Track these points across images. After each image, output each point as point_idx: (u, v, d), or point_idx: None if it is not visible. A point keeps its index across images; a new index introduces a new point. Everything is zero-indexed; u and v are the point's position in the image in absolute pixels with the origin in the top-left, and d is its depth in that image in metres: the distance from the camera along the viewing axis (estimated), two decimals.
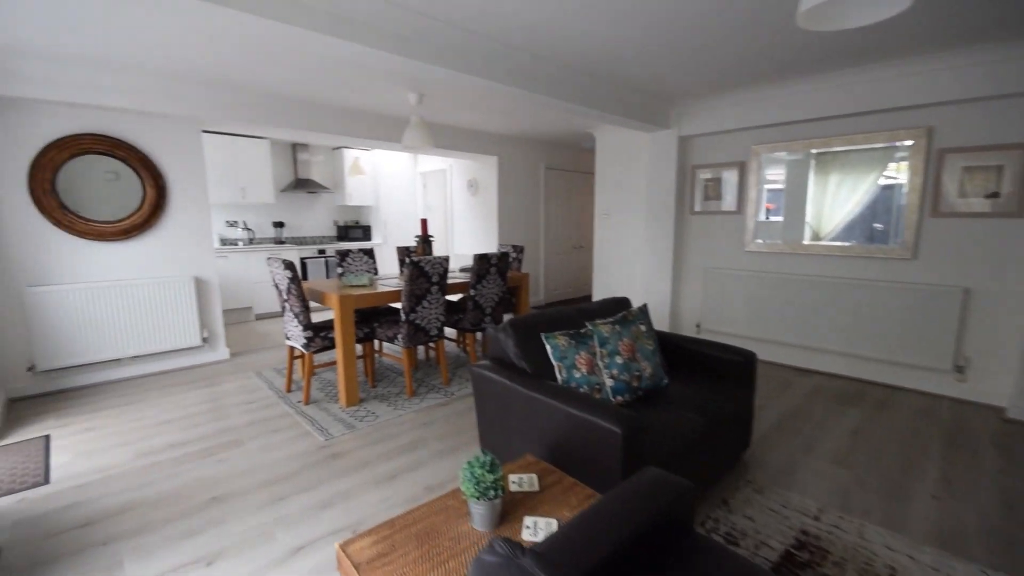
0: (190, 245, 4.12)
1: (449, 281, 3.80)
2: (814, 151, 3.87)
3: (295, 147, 6.62)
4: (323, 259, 6.59)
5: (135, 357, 3.87)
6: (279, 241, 6.56)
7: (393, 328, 3.44)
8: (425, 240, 3.93)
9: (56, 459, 2.55)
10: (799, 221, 4.02)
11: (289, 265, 3.10)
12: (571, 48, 2.95)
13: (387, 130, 4.88)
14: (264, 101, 4.03)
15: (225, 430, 2.91)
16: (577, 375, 2.15)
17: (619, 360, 2.25)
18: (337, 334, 3.19)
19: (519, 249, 4.70)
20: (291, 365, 3.52)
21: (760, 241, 4.25)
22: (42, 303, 3.41)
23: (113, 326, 3.72)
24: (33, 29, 2.60)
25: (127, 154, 3.73)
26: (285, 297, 3.25)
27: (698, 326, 4.74)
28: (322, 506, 2.15)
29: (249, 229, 6.35)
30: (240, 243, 6.23)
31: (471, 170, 6.51)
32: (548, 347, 2.17)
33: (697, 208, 4.64)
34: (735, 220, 4.41)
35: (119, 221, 3.76)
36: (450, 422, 3.04)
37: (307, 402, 3.30)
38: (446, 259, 3.43)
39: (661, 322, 4.85)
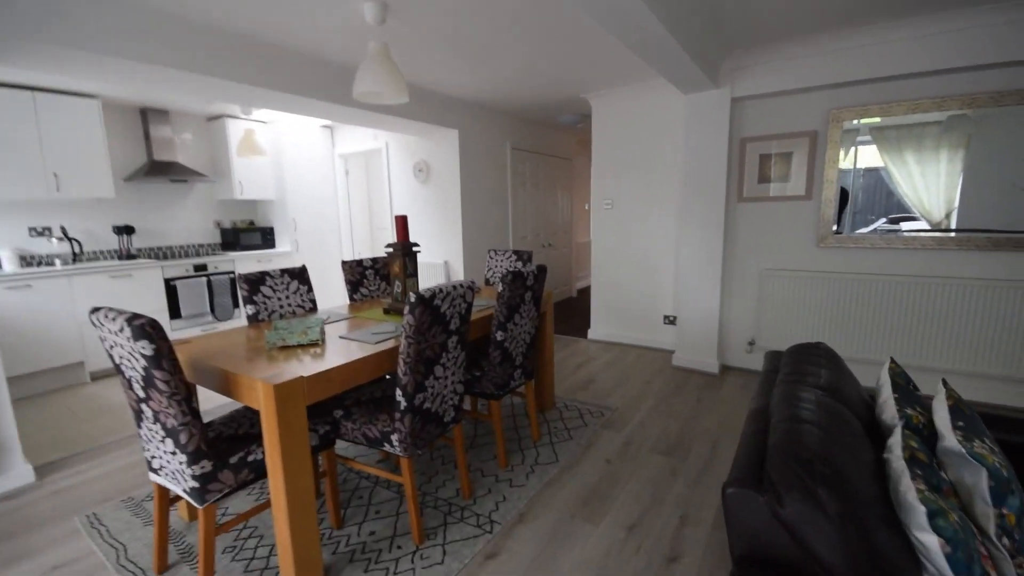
0: None
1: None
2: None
3: (146, 114, 4.40)
4: (204, 278, 4.50)
5: None
6: (127, 255, 4.32)
7: (377, 419, 1.83)
8: (407, 252, 2.33)
9: None
10: (892, 206, 3.12)
11: (144, 331, 1.35)
12: None
13: (319, 81, 3.12)
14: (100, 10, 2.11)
15: None
16: None
17: None
18: (273, 458, 1.52)
19: (526, 257, 3.26)
20: (162, 516, 1.74)
21: (842, 234, 3.30)
22: None
23: None
24: None
25: None
26: (142, 395, 1.49)
27: (751, 344, 3.70)
28: None
29: (71, 239, 4.06)
30: (57, 261, 3.94)
31: (419, 150, 4.86)
32: (932, 543, 0.82)
33: (747, 194, 3.59)
34: (803, 208, 3.41)
35: None
36: None
37: None
38: (471, 286, 1.90)
39: (709, 343, 3.73)
